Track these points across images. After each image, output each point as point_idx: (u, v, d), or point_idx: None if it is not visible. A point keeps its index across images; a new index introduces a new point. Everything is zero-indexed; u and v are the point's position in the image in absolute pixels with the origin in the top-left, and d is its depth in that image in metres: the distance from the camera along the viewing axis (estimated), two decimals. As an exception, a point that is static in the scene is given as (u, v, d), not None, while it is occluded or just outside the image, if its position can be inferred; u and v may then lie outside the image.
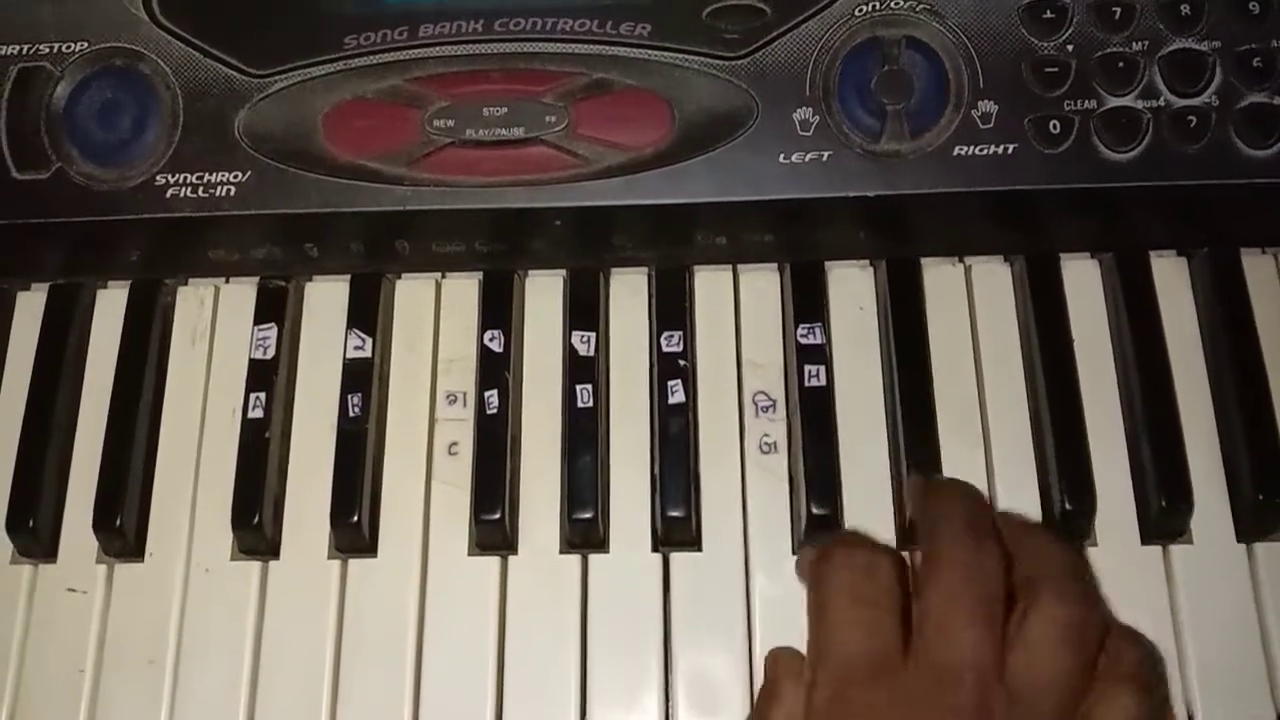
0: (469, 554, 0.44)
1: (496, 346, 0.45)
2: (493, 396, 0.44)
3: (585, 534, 0.43)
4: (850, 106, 0.44)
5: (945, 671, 0.35)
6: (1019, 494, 0.43)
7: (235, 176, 0.44)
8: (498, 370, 0.45)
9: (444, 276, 0.48)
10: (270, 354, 0.46)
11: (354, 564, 0.44)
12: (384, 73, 0.44)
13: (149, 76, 0.45)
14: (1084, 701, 0.35)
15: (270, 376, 0.45)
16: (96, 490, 0.44)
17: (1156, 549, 0.42)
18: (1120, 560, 0.42)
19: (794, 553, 0.43)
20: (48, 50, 0.45)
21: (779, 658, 0.40)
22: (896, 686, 0.35)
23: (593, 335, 0.45)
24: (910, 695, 0.35)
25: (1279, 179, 0.43)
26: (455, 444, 0.45)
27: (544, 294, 0.47)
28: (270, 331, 0.46)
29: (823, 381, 0.44)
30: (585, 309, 0.46)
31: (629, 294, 0.47)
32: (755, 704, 0.40)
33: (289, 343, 0.46)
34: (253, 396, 0.45)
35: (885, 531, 0.43)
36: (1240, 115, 0.43)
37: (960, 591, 0.36)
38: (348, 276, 0.47)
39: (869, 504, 0.43)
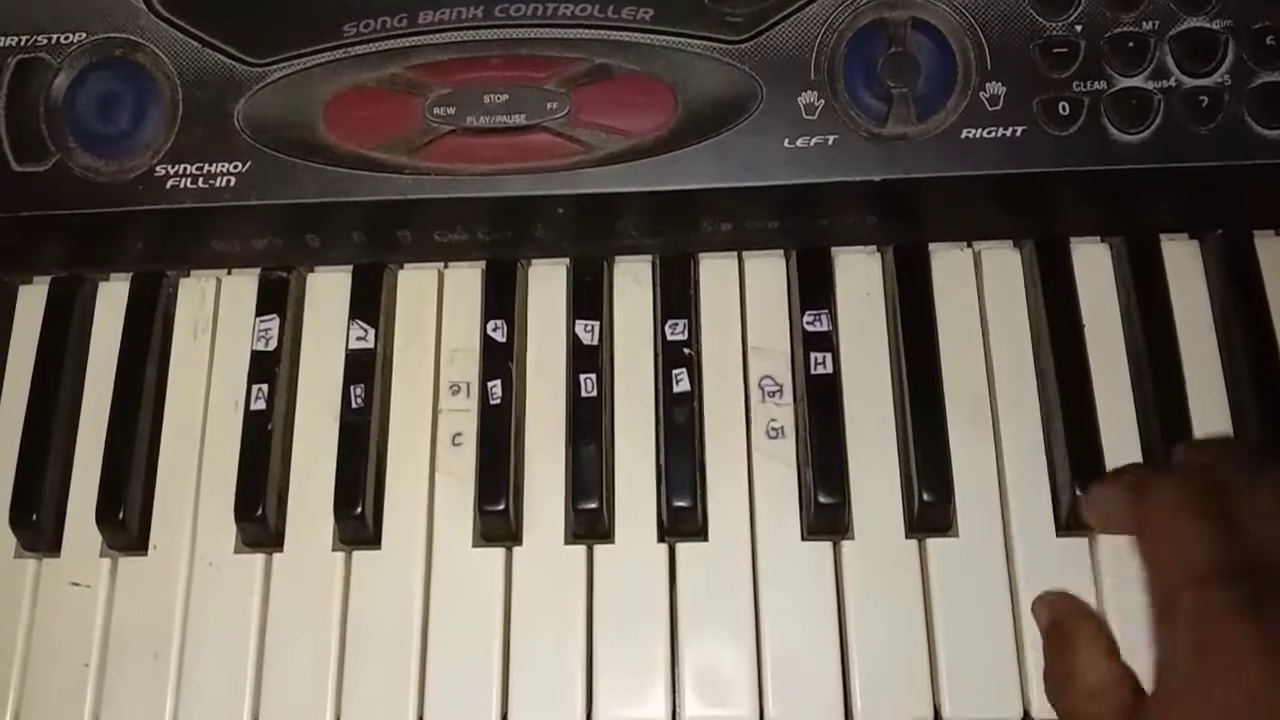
0: (473, 545, 0.43)
1: (500, 336, 0.45)
2: (496, 387, 0.44)
3: (590, 524, 0.43)
4: (856, 90, 0.43)
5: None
6: (1028, 479, 0.43)
7: (235, 167, 0.44)
8: (501, 360, 0.45)
9: (446, 266, 0.47)
10: (272, 345, 0.45)
11: (358, 556, 0.43)
12: (384, 60, 0.44)
13: (148, 67, 0.45)
14: None
15: (272, 368, 0.45)
16: (99, 483, 0.44)
17: (1168, 535, 0.42)
18: (1130, 549, 0.41)
19: (803, 540, 0.43)
20: (46, 41, 0.45)
21: (1056, 602, 0.39)
22: (1251, 587, 0.33)
23: (596, 324, 0.45)
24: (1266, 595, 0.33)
25: (1293, 160, 0.42)
26: (459, 435, 0.44)
27: (547, 282, 0.46)
28: (272, 323, 0.46)
29: (829, 369, 0.44)
30: (589, 297, 0.46)
31: (633, 282, 0.46)
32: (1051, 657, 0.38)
33: (291, 334, 0.46)
34: (255, 388, 0.45)
35: (894, 520, 0.42)
36: (1253, 95, 0.42)
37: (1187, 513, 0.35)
38: (349, 267, 0.47)
39: (877, 492, 0.43)
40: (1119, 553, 0.41)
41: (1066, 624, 0.38)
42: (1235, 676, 0.32)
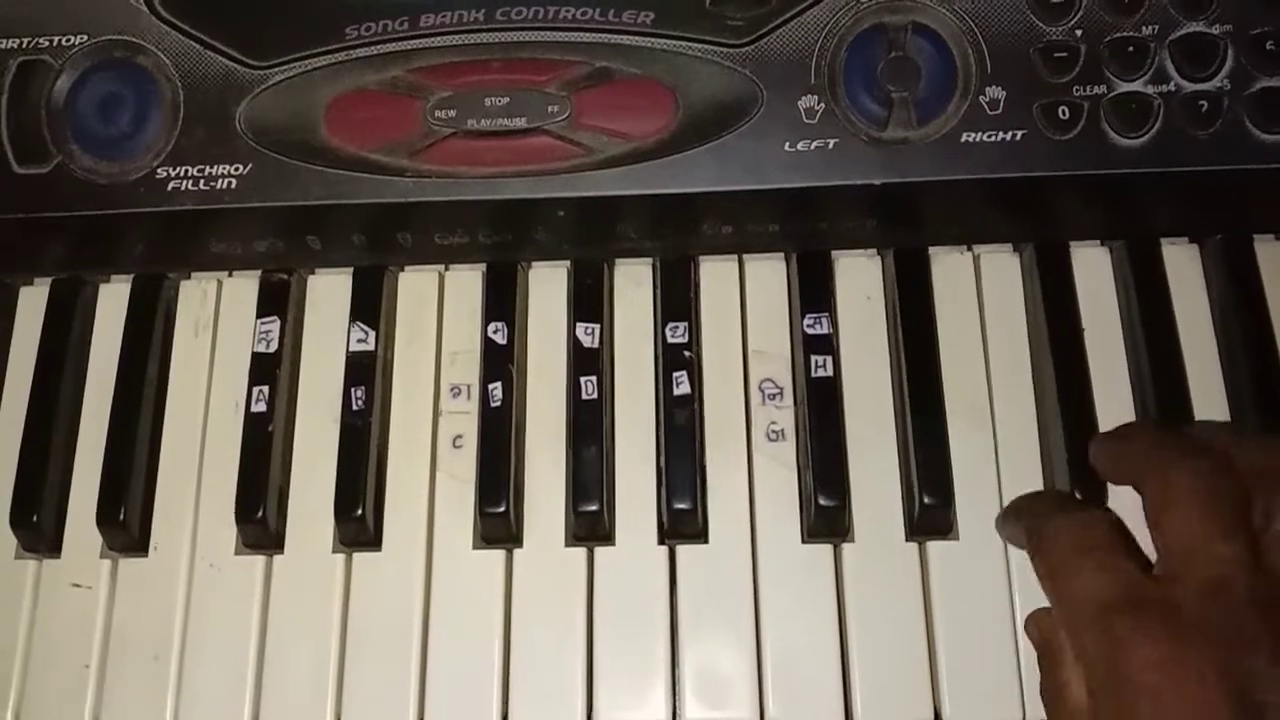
0: (474, 547, 0.43)
1: (500, 339, 0.45)
2: (497, 389, 0.44)
3: (591, 527, 0.43)
4: (856, 94, 0.43)
5: (1210, 585, 0.34)
6: (1027, 483, 0.43)
7: (237, 169, 0.44)
8: (502, 362, 0.45)
9: (447, 268, 0.47)
10: (273, 347, 0.45)
11: (358, 558, 0.43)
12: (385, 63, 0.44)
13: (149, 69, 0.45)
14: None
15: (273, 370, 0.45)
16: (100, 485, 0.44)
17: (1168, 539, 0.42)
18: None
19: (803, 543, 0.43)
20: (48, 43, 0.45)
21: (1041, 620, 0.39)
22: (1161, 609, 0.34)
23: (597, 327, 0.45)
24: (1197, 613, 0.34)
25: (1292, 164, 0.42)
26: (459, 437, 0.45)
27: (548, 285, 0.47)
28: (273, 325, 0.46)
29: (830, 372, 0.44)
30: (589, 300, 0.46)
31: (633, 285, 0.46)
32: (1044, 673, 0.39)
33: (292, 336, 0.46)
34: (256, 390, 0.45)
35: (894, 522, 0.43)
36: (1252, 100, 0.42)
37: (1199, 511, 0.35)
38: (350, 269, 0.47)
39: (878, 494, 0.43)
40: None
41: (1055, 641, 0.38)
42: (1156, 703, 0.33)
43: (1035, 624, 0.39)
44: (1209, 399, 0.43)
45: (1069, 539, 0.37)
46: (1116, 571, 0.36)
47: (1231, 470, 0.36)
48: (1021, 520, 0.41)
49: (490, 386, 0.44)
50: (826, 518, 0.42)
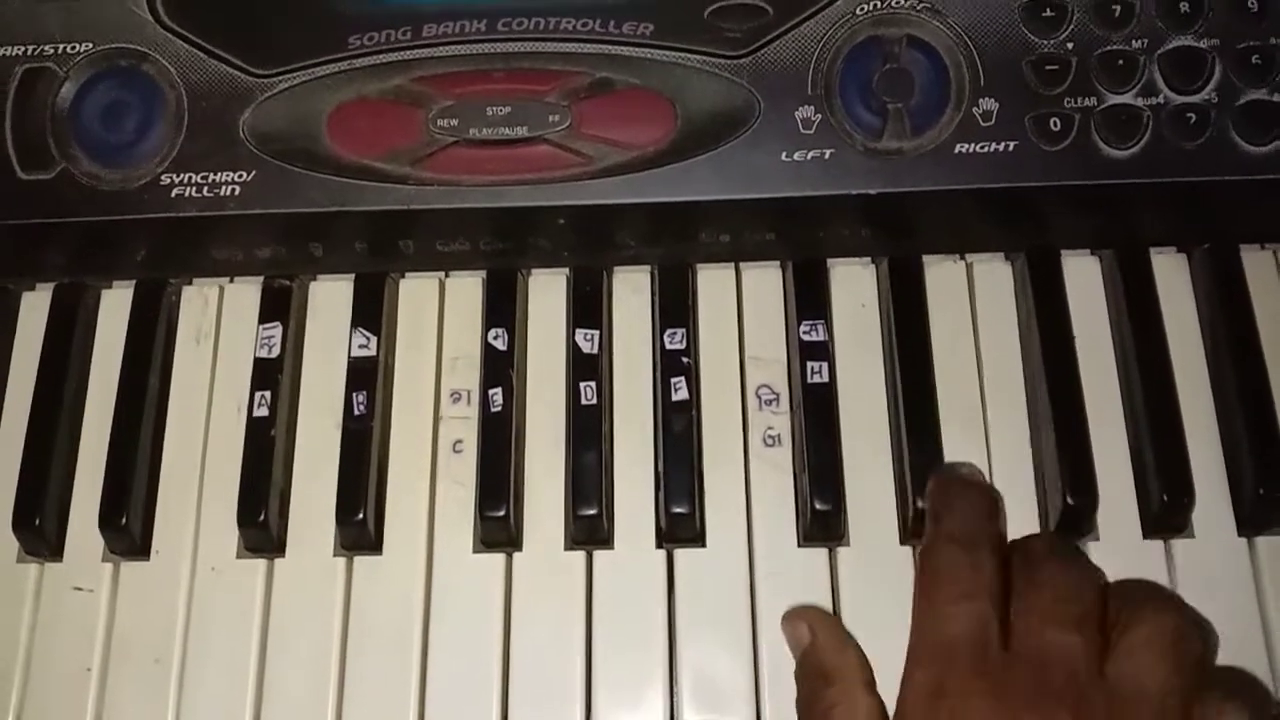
0: (474, 551, 0.44)
1: (501, 345, 0.46)
2: (497, 394, 0.45)
3: (590, 531, 0.43)
4: (852, 104, 0.44)
5: (1042, 663, 0.36)
6: (1019, 489, 0.43)
7: (240, 176, 0.44)
8: (502, 368, 0.45)
9: (447, 275, 0.48)
10: (275, 353, 0.46)
11: (359, 561, 0.44)
12: (388, 72, 0.44)
13: (154, 77, 0.45)
14: (1192, 712, 0.35)
15: (275, 375, 0.45)
16: (102, 489, 0.44)
17: (1158, 543, 0.43)
18: (1122, 554, 0.42)
19: (799, 546, 0.43)
20: (53, 51, 0.45)
21: (828, 666, 0.40)
22: (996, 677, 0.36)
23: (596, 333, 0.46)
24: (1009, 686, 0.35)
25: (1278, 175, 0.43)
26: (460, 441, 0.45)
27: (547, 292, 0.47)
28: (275, 330, 0.46)
29: (825, 378, 0.44)
30: (589, 307, 0.46)
31: (632, 292, 0.47)
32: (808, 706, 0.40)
33: (294, 341, 0.46)
34: (258, 395, 0.45)
35: (889, 526, 0.43)
36: (1239, 112, 0.43)
37: (1060, 594, 0.37)
38: (352, 275, 0.47)
39: (872, 499, 0.43)
40: (1112, 559, 0.42)
41: (826, 654, 0.39)
42: None
43: (810, 628, 0.40)
44: (1196, 403, 0.44)
45: (948, 575, 0.38)
46: (972, 621, 0.37)
47: (1096, 577, 0.39)
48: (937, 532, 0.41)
49: (490, 392, 0.45)
50: (822, 522, 0.43)
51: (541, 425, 0.45)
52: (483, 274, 0.47)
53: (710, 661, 0.42)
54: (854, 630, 0.42)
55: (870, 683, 0.39)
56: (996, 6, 0.44)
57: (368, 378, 0.45)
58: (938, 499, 0.41)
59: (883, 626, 0.42)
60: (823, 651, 0.40)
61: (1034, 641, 0.36)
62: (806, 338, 0.45)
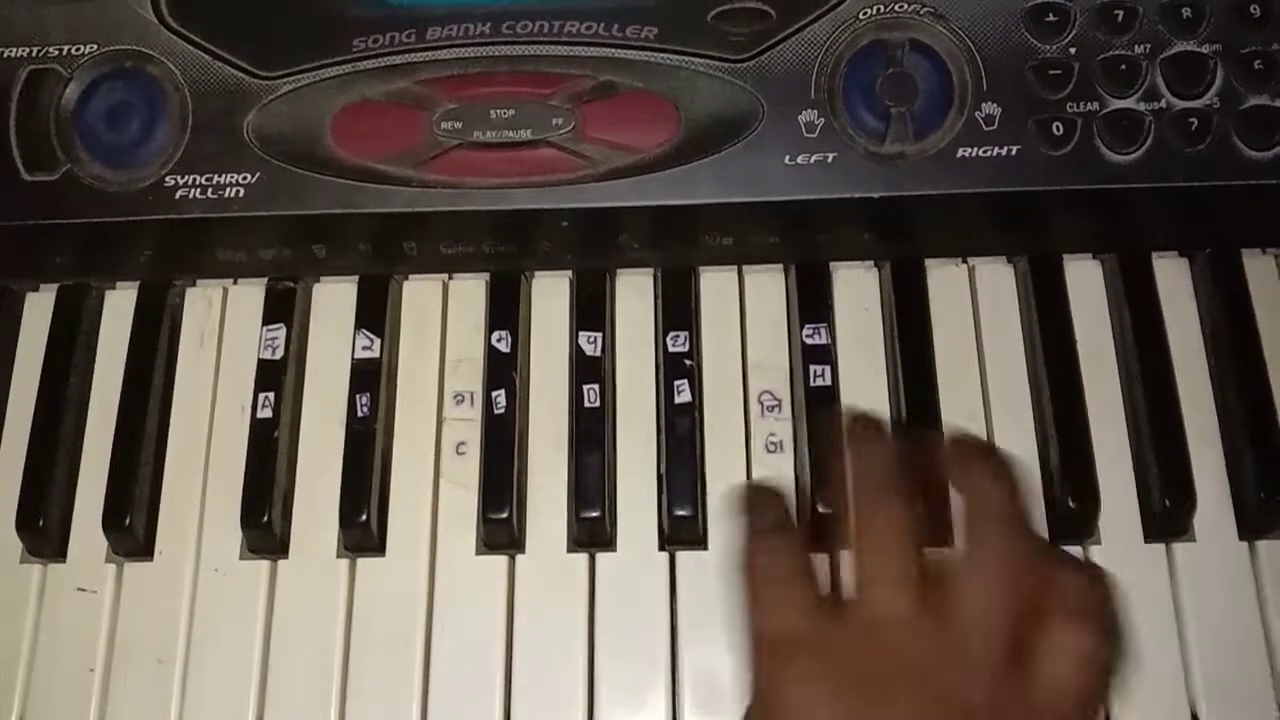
0: (477, 553, 0.44)
1: (504, 347, 0.46)
2: (500, 397, 0.45)
3: (592, 533, 0.43)
4: (855, 109, 0.44)
5: (871, 631, 0.35)
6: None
7: (244, 178, 0.44)
8: (505, 370, 0.45)
9: (451, 277, 0.48)
10: (279, 354, 0.46)
11: (362, 563, 0.44)
12: (392, 75, 0.45)
13: (158, 78, 0.45)
14: (1031, 637, 0.35)
15: (279, 376, 0.46)
16: (106, 490, 0.44)
17: (1159, 547, 0.43)
18: (1123, 558, 0.43)
19: (800, 551, 0.43)
20: (58, 52, 0.45)
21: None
22: (830, 658, 0.35)
23: (599, 335, 0.46)
24: (844, 664, 0.35)
25: (1279, 180, 0.43)
26: (463, 443, 0.45)
27: (551, 295, 0.47)
28: (279, 332, 0.46)
29: (828, 381, 0.45)
30: (592, 309, 0.46)
31: (635, 294, 0.47)
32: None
33: (297, 343, 0.47)
34: (261, 396, 0.45)
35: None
36: (1241, 117, 0.43)
37: (876, 553, 0.37)
38: (355, 277, 0.47)
39: (874, 503, 0.43)
40: (1113, 562, 0.42)
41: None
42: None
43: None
44: (1198, 407, 0.44)
45: (756, 567, 0.38)
46: (785, 606, 0.37)
47: (911, 513, 0.37)
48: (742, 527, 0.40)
49: (494, 394, 0.45)
50: (825, 525, 0.43)
51: (544, 427, 0.45)
52: (486, 276, 0.47)
53: (712, 664, 0.42)
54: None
55: (816, 581, 0.38)
56: (999, 11, 0.44)
57: (371, 379, 0.45)
58: (739, 506, 0.40)
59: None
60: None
61: (864, 611, 0.36)
62: (809, 341, 0.45)
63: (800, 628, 0.36)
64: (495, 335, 0.46)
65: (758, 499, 0.41)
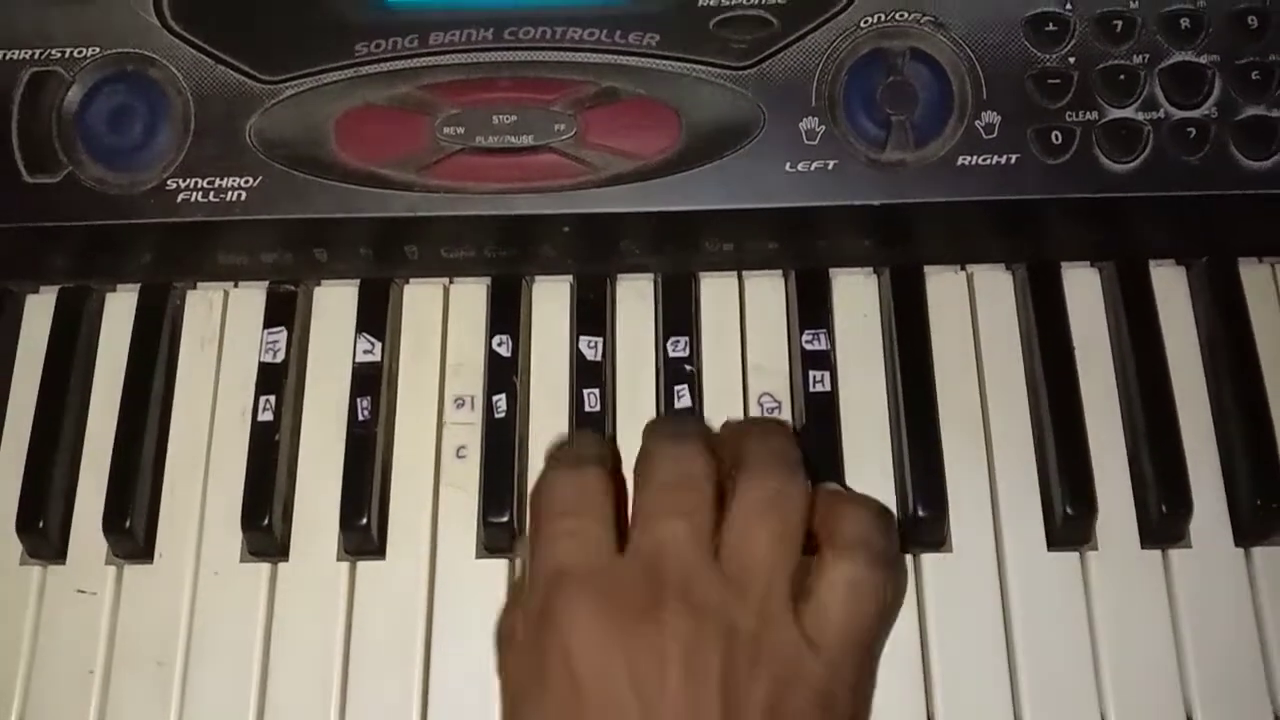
0: (477, 556, 0.44)
1: (504, 351, 0.46)
2: (501, 401, 0.45)
3: (592, 537, 0.44)
4: (856, 116, 0.44)
5: (648, 559, 0.36)
6: (1020, 496, 0.44)
7: (246, 181, 0.44)
8: (506, 375, 0.45)
9: (451, 281, 0.48)
10: (280, 357, 0.46)
11: (363, 566, 0.44)
12: (395, 80, 0.45)
13: (160, 82, 0.45)
14: (808, 574, 0.36)
15: (279, 380, 0.46)
16: (106, 492, 0.44)
17: (1156, 553, 0.43)
18: (1120, 564, 0.43)
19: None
20: (60, 55, 0.45)
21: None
22: (603, 586, 0.36)
23: (600, 340, 0.46)
24: (616, 592, 0.36)
25: (1277, 190, 0.43)
26: (463, 447, 0.45)
27: (551, 299, 0.47)
28: (279, 335, 0.46)
29: (827, 387, 0.45)
30: (593, 314, 0.46)
31: (636, 299, 0.47)
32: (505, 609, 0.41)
33: (298, 346, 0.47)
34: (262, 399, 0.45)
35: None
36: (1239, 127, 0.44)
37: (660, 488, 0.37)
38: (356, 281, 0.47)
39: (873, 508, 0.44)
40: (1110, 568, 0.43)
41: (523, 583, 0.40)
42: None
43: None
44: (1195, 414, 0.44)
45: (548, 499, 0.39)
46: (574, 538, 0.37)
47: (702, 459, 0.38)
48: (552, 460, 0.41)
49: (494, 399, 0.45)
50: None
51: (545, 431, 0.45)
52: (487, 281, 0.47)
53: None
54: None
55: (609, 518, 0.38)
56: (999, 21, 0.44)
57: (372, 383, 0.45)
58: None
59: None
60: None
61: (645, 541, 0.37)
62: (809, 347, 0.45)
63: (577, 561, 0.37)
64: (496, 340, 0.46)
65: (580, 435, 0.42)
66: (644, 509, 0.38)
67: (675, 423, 0.41)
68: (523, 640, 0.37)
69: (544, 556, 0.38)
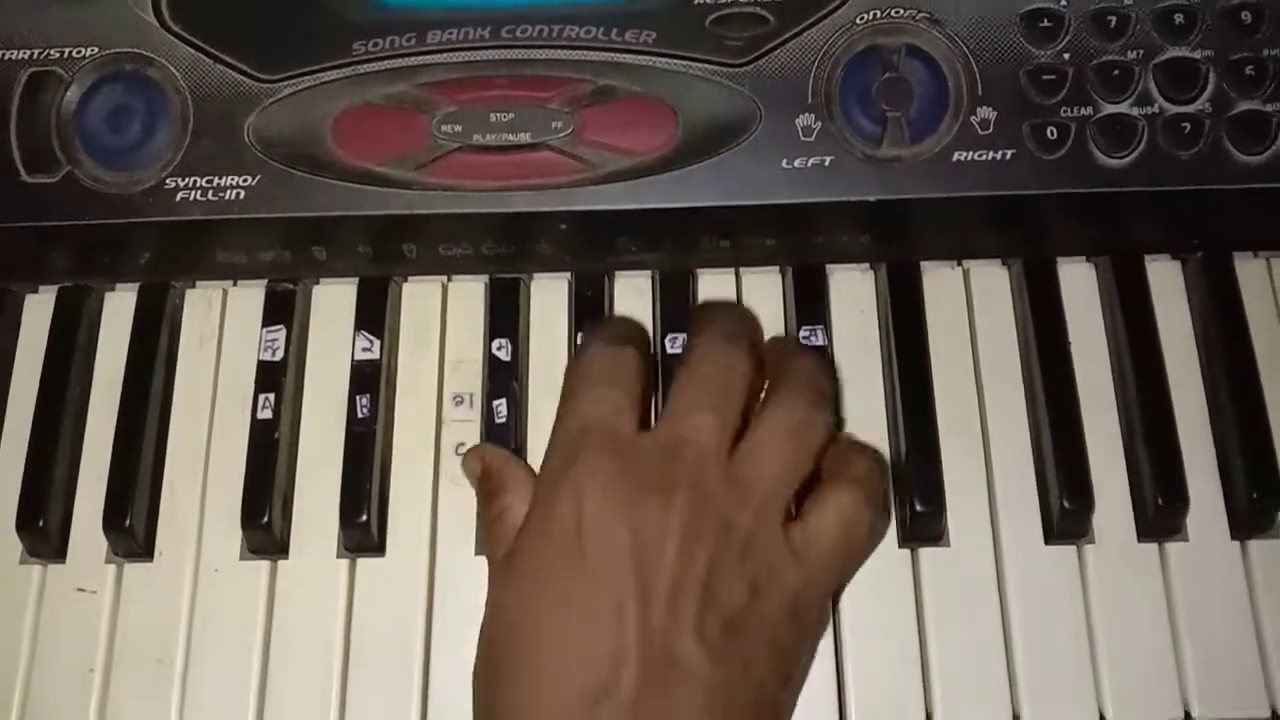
0: (477, 553, 0.44)
1: (505, 356, 0.46)
2: (501, 405, 0.45)
3: (591, 533, 0.44)
4: (851, 113, 0.44)
5: (670, 444, 0.38)
6: (1017, 490, 0.44)
7: (245, 180, 0.44)
8: (506, 379, 0.45)
9: (450, 279, 0.48)
10: (279, 355, 0.46)
11: (362, 563, 0.44)
12: (392, 78, 0.45)
13: (159, 81, 0.45)
14: (807, 499, 0.39)
15: (278, 378, 0.46)
16: (106, 490, 0.44)
17: (1153, 546, 0.43)
18: (1117, 557, 0.43)
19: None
20: (58, 55, 0.46)
21: (485, 452, 0.42)
22: (625, 453, 0.38)
23: (598, 337, 0.46)
24: (635, 463, 0.38)
25: (1271, 184, 0.44)
26: (462, 444, 0.45)
27: (549, 296, 0.47)
28: (279, 333, 0.46)
29: (825, 383, 0.45)
30: (590, 311, 0.47)
31: (633, 296, 0.47)
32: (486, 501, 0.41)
33: (297, 344, 0.47)
34: (261, 397, 0.45)
35: (889, 528, 0.44)
36: (1233, 122, 0.44)
37: (701, 382, 0.39)
38: (355, 279, 0.48)
39: (871, 503, 0.44)
40: (1107, 561, 0.43)
41: (504, 470, 0.41)
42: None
43: (479, 457, 0.42)
44: (1190, 408, 0.45)
45: (585, 367, 0.41)
46: (604, 405, 0.39)
47: (743, 368, 0.40)
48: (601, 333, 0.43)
49: (495, 403, 0.45)
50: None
51: (544, 428, 0.45)
52: (485, 278, 0.48)
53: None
54: (853, 633, 0.42)
55: (638, 397, 0.40)
56: (995, 17, 0.45)
57: (371, 381, 0.46)
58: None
59: (881, 630, 0.42)
60: (496, 471, 0.41)
61: (672, 427, 0.39)
62: (806, 342, 0.46)
63: (603, 423, 0.39)
64: (495, 343, 0.46)
65: (621, 318, 0.45)
66: (681, 395, 0.39)
67: (731, 322, 0.43)
68: (537, 495, 0.39)
69: (573, 417, 0.39)
